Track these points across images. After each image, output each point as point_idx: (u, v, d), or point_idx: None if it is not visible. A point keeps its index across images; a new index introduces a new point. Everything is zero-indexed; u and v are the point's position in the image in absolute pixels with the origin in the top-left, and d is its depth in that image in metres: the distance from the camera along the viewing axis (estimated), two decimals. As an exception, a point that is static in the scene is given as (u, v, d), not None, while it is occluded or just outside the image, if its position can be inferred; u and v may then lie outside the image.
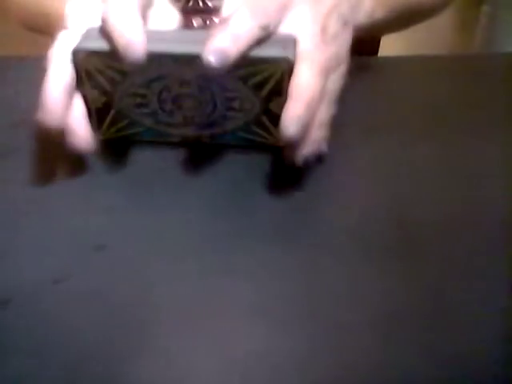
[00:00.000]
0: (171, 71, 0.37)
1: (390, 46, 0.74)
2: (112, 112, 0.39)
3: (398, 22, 0.55)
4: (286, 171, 0.38)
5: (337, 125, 0.42)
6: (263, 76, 0.36)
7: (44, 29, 0.51)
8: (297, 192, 0.37)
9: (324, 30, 0.37)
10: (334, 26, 0.38)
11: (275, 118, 0.37)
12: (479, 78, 0.50)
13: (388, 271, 0.31)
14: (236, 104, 0.38)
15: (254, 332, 0.28)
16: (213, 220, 0.35)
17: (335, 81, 0.37)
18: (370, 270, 0.31)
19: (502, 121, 0.44)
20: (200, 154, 0.40)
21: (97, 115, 0.38)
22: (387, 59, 0.52)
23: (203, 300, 0.30)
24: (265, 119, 0.38)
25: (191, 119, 0.39)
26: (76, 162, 0.39)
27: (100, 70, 0.36)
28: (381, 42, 0.71)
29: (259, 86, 0.37)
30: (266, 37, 0.35)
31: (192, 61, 0.35)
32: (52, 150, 0.39)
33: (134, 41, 0.34)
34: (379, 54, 0.70)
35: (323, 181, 0.38)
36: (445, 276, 0.31)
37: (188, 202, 0.36)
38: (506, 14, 1.44)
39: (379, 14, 0.48)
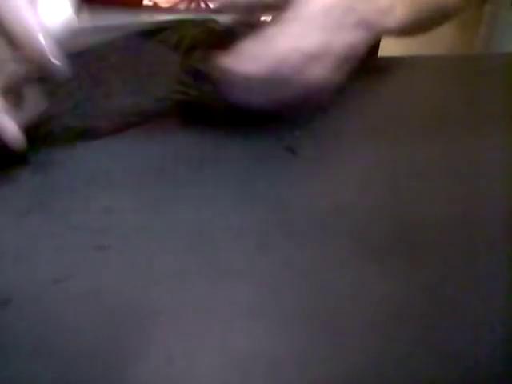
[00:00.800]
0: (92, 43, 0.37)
1: (390, 46, 0.74)
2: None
3: (426, 24, 0.55)
4: (286, 171, 0.38)
5: (337, 125, 0.42)
6: (179, 35, 0.36)
7: None
8: (297, 192, 0.37)
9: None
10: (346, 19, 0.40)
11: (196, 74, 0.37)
12: (479, 77, 0.50)
13: (388, 271, 0.31)
14: (157, 66, 0.38)
15: (255, 332, 0.28)
16: (213, 219, 0.35)
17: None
18: (370, 270, 0.31)
19: (502, 120, 0.44)
20: (200, 154, 0.40)
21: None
22: (387, 59, 0.52)
23: (203, 300, 0.30)
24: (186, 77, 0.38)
25: (111, 94, 0.40)
26: None
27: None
28: (381, 42, 0.71)
29: (177, 44, 0.37)
30: None
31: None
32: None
33: None
34: (379, 54, 0.70)
35: (323, 180, 0.38)
36: (445, 276, 0.31)
37: (188, 201, 0.36)
38: (507, 14, 1.44)
39: (409, 19, 0.48)
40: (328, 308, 0.29)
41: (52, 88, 0.37)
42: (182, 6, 0.58)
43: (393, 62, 0.52)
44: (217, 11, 0.57)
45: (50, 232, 0.34)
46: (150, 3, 0.59)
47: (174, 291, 0.30)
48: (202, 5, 0.58)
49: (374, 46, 0.72)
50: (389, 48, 0.72)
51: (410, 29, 0.51)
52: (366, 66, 0.49)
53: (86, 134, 0.40)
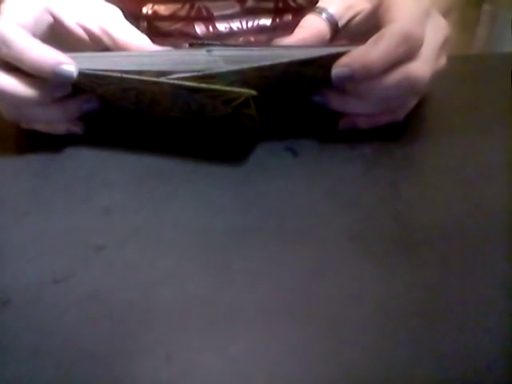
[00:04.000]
0: (140, 86, 0.38)
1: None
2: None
3: None
4: (286, 171, 0.38)
5: (337, 124, 0.42)
6: (230, 96, 0.37)
7: None
8: (297, 192, 0.37)
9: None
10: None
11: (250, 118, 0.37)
12: (479, 77, 0.50)
13: (388, 271, 0.31)
14: (209, 108, 0.39)
15: (254, 331, 0.28)
16: (213, 219, 0.35)
17: None
18: (370, 270, 0.31)
19: (502, 121, 0.44)
20: (200, 154, 0.40)
21: None
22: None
23: (204, 300, 0.30)
24: (240, 118, 0.39)
25: (170, 110, 0.41)
26: None
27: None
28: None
29: (227, 102, 0.37)
30: None
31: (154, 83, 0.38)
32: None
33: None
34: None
35: (323, 180, 0.38)
36: (445, 276, 0.31)
37: (188, 201, 0.36)
38: (506, 14, 1.44)
39: None
40: (328, 308, 0.29)
41: None
42: (182, 13, 0.58)
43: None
44: (219, 19, 0.57)
45: (50, 232, 0.34)
46: (150, 11, 0.58)
47: (174, 291, 0.30)
48: (204, 12, 0.57)
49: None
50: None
51: None
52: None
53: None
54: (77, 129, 0.42)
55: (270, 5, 0.58)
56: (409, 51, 0.38)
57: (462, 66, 0.52)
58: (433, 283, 0.30)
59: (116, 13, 0.45)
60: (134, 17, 0.52)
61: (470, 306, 0.29)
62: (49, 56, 0.38)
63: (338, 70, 0.38)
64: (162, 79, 0.37)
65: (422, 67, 0.39)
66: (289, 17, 0.60)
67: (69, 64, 0.38)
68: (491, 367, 0.26)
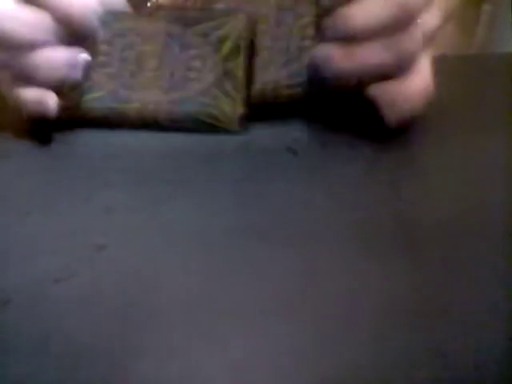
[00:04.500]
0: (135, 25, 0.37)
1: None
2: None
3: None
4: (286, 171, 0.38)
5: (337, 124, 0.42)
6: (224, 31, 0.36)
7: None
8: (297, 192, 0.37)
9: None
10: None
11: (236, 82, 0.36)
12: (479, 77, 0.50)
13: (388, 271, 0.31)
14: (197, 63, 0.37)
15: (255, 331, 0.28)
16: (214, 219, 0.35)
17: None
18: (370, 270, 0.31)
19: (502, 121, 0.44)
20: (200, 154, 0.40)
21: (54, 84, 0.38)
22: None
23: (204, 299, 0.30)
24: (226, 82, 0.37)
25: (153, 81, 0.38)
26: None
27: None
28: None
29: (219, 43, 0.36)
30: None
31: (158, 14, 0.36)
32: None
33: None
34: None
35: (323, 180, 0.38)
36: (445, 276, 0.31)
37: (189, 200, 0.36)
38: (506, 14, 1.44)
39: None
40: (327, 308, 0.29)
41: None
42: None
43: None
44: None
45: (51, 231, 0.34)
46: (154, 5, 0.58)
47: (175, 291, 0.30)
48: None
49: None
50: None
51: None
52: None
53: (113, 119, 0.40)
54: (48, 102, 0.38)
55: None
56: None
57: (461, 65, 0.52)
58: (433, 283, 0.30)
59: None
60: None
61: (470, 306, 0.29)
62: None
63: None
64: None
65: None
66: None
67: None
68: (491, 367, 0.26)
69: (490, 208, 0.35)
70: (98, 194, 0.37)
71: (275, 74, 0.38)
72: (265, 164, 0.39)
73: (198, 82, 0.37)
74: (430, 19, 0.37)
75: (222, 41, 0.36)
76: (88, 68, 0.37)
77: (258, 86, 0.38)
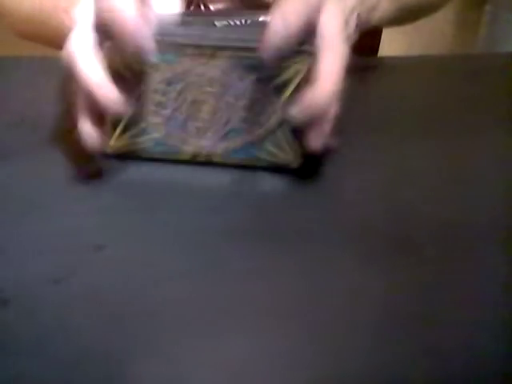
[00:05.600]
0: (194, 67, 0.37)
1: (390, 46, 0.74)
2: (127, 116, 0.38)
3: (404, 18, 0.56)
4: (286, 171, 0.38)
5: (337, 124, 0.42)
6: (288, 74, 0.36)
7: (44, 37, 0.51)
8: (297, 192, 0.37)
9: (346, 24, 0.38)
10: (352, 23, 0.39)
11: (289, 136, 0.37)
12: (480, 77, 0.50)
13: (387, 271, 0.31)
14: (257, 108, 0.37)
15: (253, 331, 0.28)
16: (212, 219, 0.35)
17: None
18: (369, 270, 0.31)
19: (502, 120, 0.44)
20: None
21: (112, 121, 0.38)
22: (387, 59, 0.52)
23: (203, 299, 0.30)
24: (279, 135, 0.38)
25: (204, 131, 0.38)
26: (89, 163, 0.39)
27: (120, 69, 0.37)
28: (381, 42, 0.71)
29: (282, 87, 0.36)
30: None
31: (219, 53, 0.36)
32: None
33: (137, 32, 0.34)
34: (379, 54, 0.70)
35: (323, 180, 0.38)
36: (444, 275, 0.31)
37: (188, 201, 0.36)
38: (507, 14, 1.44)
39: (390, 13, 0.49)
40: (327, 308, 0.29)
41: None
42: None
43: (393, 62, 0.52)
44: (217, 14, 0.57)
45: (50, 232, 0.34)
46: None
47: (173, 291, 0.30)
48: (202, 7, 0.58)
49: (374, 46, 0.72)
50: (389, 48, 0.72)
51: (394, 21, 0.52)
52: (366, 66, 0.49)
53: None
54: (98, 142, 0.38)
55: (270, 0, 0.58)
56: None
57: (462, 65, 0.52)
58: (432, 283, 0.30)
59: None
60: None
61: (468, 306, 0.29)
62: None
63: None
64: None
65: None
66: None
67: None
68: (490, 366, 0.26)
69: (489, 208, 0.35)
70: (97, 195, 0.37)
71: (209, 147, 0.39)
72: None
73: (250, 134, 0.38)
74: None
75: (284, 85, 0.36)
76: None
77: (187, 155, 0.39)
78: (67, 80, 0.37)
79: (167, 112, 0.38)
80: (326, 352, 0.27)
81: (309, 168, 0.39)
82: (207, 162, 0.39)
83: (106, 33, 0.36)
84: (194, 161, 0.39)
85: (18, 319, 0.29)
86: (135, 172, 0.39)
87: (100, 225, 0.35)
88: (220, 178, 0.38)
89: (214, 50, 0.36)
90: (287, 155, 0.38)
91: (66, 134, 0.42)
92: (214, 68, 0.37)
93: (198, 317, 0.29)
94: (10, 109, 0.45)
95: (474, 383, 0.26)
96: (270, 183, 0.38)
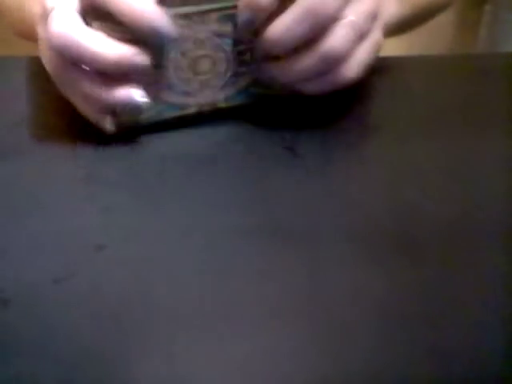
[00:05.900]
0: (186, 32, 0.38)
1: (391, 45, 0.74)
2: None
3: (414, 22, 0.56)
4: (286, 171, 0.38)
5: (337, 124, 0.42)
6: None
7: (27, 32, 0.50)
8: (297, 192, 0.37)
9: None
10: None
11: None
12: (480, 77, 0.50)
13: (388, 271, 0.31)
14: (247, 56, 0.39)
15: (254, 331, 0.28)
16: (214, 219, 0.35)
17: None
18: (370, 270, 0.31)
19: (502, 120, 0.44)
20: (199, 154, 0.40)
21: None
22: (387, 59, 0.52)
23: (204, 300, 0.30)
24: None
25: (207, 83, 0.40)
26: None
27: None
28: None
29: None
30: None
31: (207, 17, 0.38)
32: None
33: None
34: (379, 54, 0.70)
35: (323, 180, 0.38)
36: (445, 276, 0.31)
37: (188, 201, 0.36)
38: (507, 14, 1.43)
39: (403, 15, 0.49)
40: (327, 308, 0.29)
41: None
42: None
43: (393, 62, 0.52)
44: None
45: (51, 232, 0.34)
46: None
47: (175, 291, 0.30)
48: None
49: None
50: (389, 48, 0.72)
51: (403, 25, 0.52)
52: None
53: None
54: (104, 123, 0.39)
55: None
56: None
57: (462, 65, 0.52)
58: (432, 282, 0.30)
59: None
60: None
61: (469, 306, 0.29)
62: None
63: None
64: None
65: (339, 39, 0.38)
66: None
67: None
68: (490, 366, 0.26)
69: (489, 208, 0.35)
70: (97, 195, 0.37)
71: (212, 97, 0.41)
72: (264, 164, 0.39)
73: (249, 75, 0.40)
74: (352, 14, 0.38)
75: None
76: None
77: (193, 108, 0.41)
78: (58, 66, 0.38)
79: (168, 81, 0.40)
80: (328, 352, 0.27)
81: (308, 168, 0.39)
82: (212, 112, 0.41)
83: (96, 14, 0.36)
84: (201, 113, 0.41)
85: (18, 319, 0.29)
86: (136, 172, 0.39)
87: (100, 225, 0.35)
88: (221, 179, 0.38)
89: (203, 14, 0.38)
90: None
91: (66, 134, 0.42)
92: (206, 31, 0.39)
93: (200, 317, 0.29)
94: (10, 109, 0.45)
95: None
96: (271, 183, 0.38)
